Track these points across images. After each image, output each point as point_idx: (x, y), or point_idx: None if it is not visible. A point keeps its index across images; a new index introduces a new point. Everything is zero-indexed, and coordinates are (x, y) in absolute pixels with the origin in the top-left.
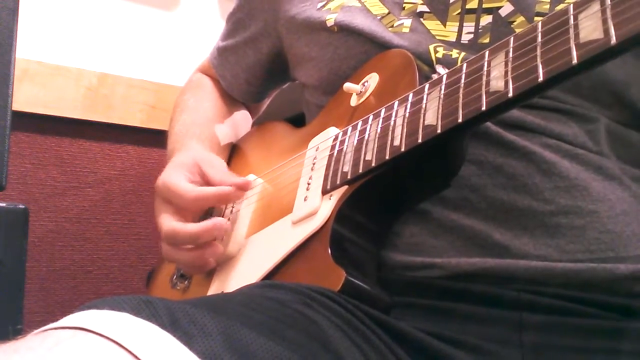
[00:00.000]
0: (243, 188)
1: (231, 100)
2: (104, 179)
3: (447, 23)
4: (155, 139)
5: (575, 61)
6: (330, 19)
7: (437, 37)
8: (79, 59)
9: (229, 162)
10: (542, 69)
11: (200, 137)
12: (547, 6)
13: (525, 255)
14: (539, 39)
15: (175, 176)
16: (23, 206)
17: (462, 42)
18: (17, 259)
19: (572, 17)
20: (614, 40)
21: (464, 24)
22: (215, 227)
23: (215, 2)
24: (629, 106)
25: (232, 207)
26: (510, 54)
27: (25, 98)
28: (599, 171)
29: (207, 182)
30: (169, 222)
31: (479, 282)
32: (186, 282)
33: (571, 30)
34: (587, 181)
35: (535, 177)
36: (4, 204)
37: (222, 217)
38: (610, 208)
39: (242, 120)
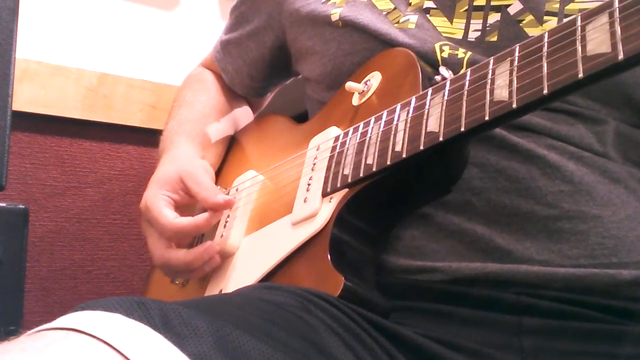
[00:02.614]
0: (222, 208)
1: (232, 95)
2: (104, 179)
3: (454, 20)
4: (155, 139)
5: (581, 75)
6: (335, 14)
7: (444, 34)
8: (79, 59)
9: (227, 156)
10: (547, 81)
11: (190, 135)
12: (557, 5)
13: (527, 260)
14: (545, 49)
15: (158, 200)
16: (23, 206)
17: (468, 39)
18: (17, 259)
19: (579, 28)
20: (621, 56)
21: (471, 21)
22: (206, 252)
23: (215, 2)
24: None
25: None
26: (516, 63)
27: (25, 98)
28: (604, 174)
29: (191, 197)
30: (159, 250)
31: (478, 286)
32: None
33: (578, 42)
34: (591, 185)
35: (538, 181)
36: (4, 204)
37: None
38: (614, 213)
39: (243, 116)
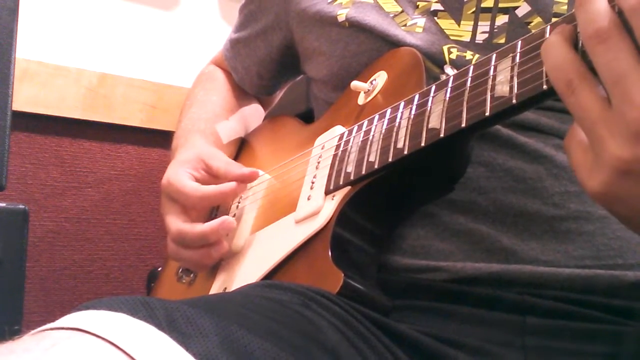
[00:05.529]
0: (249, 179)
1: (243, 93)
2: (104, 179)
3: (462, 22)
4: (155, 139)
5: None
6: (342, 14)
7: (451, 37)
8: (79, 59)
9: (237, 156)
10: (547, 76)
11: (204, 133)
12: (565, 7)
13: (533, 260)
14: None
15: (180, 174)
16: (23, 206)
17: (476, 41)
18: (17, 259)
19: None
20: None
21: (479, 23)
22: (222, 226)
23: (215, 2)
24: None
25: (238, 202)
26: (517, 59)
27: (25, 98)
28: None
29: (212, 174)
30: (176, 223)
31: (481, 285)
32: (191, 275)
33: (579, 36)
34: None
35: (545, 181)
36: (4, 204)
37: (229, 211)
38: None
39: (253, 114)
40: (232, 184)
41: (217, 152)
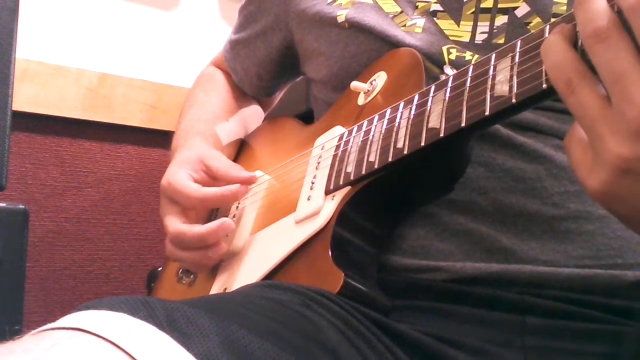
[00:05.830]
0: (248, 182)
1: (242, 94)
2: (104, 179)
3: (461, 22)
4: (155, 139)
5: None
6: (341, 15)
7: (451, 38)
8: (79, 59)
9: (237, 157)
10: (546, 75)
11: (204, 135)
12: (564, 7)
13: (532, 260)
14: None
15: (180, 175)
16: (23, 206)
17: (475, 42)
18: (17, 259)
19: None
20: None
21: (479, 24)
22: (220, 228)
23: (215, 2)
24: None
25: (239, 203)
26: (517, 58)
27: (25, 98)
28: None
29: (212, 176)
30: (175, 224)
31: (481, 284)
32: (191, 276)
33: (579, 35)
34: None
35: (545, 181)
36: (4, 204)
37: (229, 212)
38: None
39: (253, 115)
40: (234, 187)
41: (217, 154)
